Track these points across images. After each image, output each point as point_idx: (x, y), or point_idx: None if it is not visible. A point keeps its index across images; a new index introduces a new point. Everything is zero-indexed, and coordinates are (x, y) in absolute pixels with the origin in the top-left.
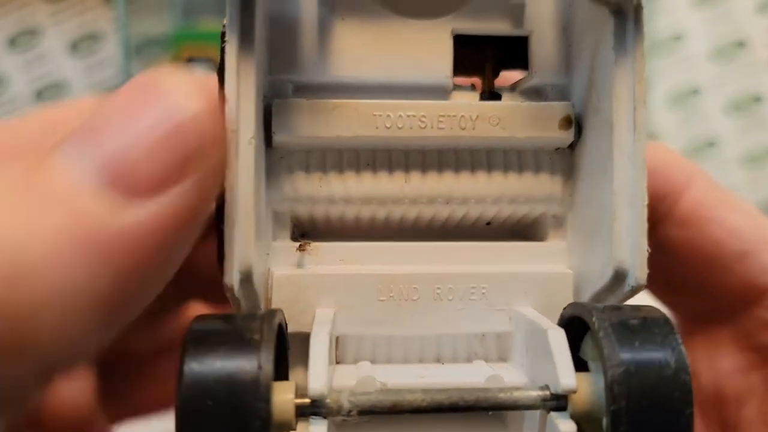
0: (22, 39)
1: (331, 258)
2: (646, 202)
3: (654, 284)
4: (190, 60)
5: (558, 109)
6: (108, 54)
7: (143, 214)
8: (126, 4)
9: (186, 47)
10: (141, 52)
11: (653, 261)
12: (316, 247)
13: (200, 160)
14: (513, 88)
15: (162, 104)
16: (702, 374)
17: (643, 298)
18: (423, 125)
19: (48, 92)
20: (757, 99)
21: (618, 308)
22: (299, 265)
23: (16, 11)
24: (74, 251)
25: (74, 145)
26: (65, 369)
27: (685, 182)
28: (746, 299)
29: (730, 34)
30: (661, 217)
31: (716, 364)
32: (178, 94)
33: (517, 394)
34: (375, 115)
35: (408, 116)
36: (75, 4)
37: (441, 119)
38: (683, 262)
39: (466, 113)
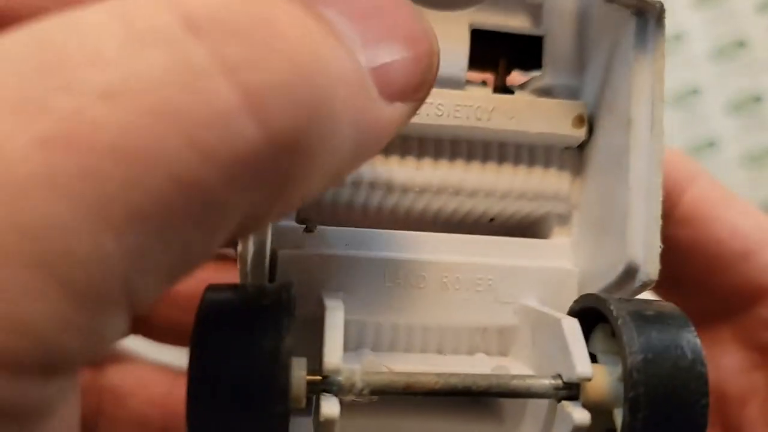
0: None
1: (337, 242)
2: (661, 199)
3: (657, 283)
4: None
5: (572, 107)
6: None
7: (385, 113)
8: None
9: None
10: None
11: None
12: (323, 230)
13: (427, 87)
14: (522, 87)
15: (423, 36)
16: None
17: (645, 297)
18: (440, 113)
19: None
20: (758, 99)
21: (630, 300)
22: (304, 246)
23: None
24: (348, 119)
25: (342, 20)
26: (282, 210)
27: (687, 182)
28: (748, 298)
29: (731, 34)
30: (662, 216)
31: (718, 364)
32: (431, 35)
33: (530, 381)
34: None
35: (425, 103)
36: None
37: (458, 108)
38: (685, 261)
39: (482, 104)
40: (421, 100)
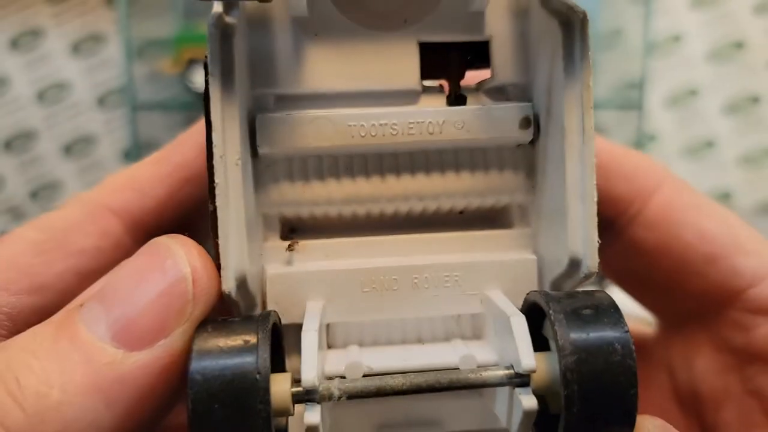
0: (24, 40)
1: (318, 254)
2: (595, 199)
3: (629, 286)
4: (191, 61)
5: (517, 110)
6: (109, 55)
7: (141, 360)
8: (128, 6)
9: (187, 49)
10: (142, 53)
11: (625, 263)
12: (304, 245)
13: (189, 312)
14: (478, 87)
15: (162, 271)
16: (678, 373)
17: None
18: (394, 132)
19: (50, 93)
20: (755, 99)
21: (573, 296)
22: (289, 262)
23: (18, 12)
24: (87, 394)
25: (92, 309)
26: None
27: (654, 186)
28: (718, 302)
29: (729, 35)
30: (629, 219)
31: (692, 364)
32: (176, 261)
33: (485, 374)
34: (349, 125)
35: (380, 125)
36: (77, 6)
37: (410, 126)
38: (654, 265)
39: (433, 119)
40: (187, 327)
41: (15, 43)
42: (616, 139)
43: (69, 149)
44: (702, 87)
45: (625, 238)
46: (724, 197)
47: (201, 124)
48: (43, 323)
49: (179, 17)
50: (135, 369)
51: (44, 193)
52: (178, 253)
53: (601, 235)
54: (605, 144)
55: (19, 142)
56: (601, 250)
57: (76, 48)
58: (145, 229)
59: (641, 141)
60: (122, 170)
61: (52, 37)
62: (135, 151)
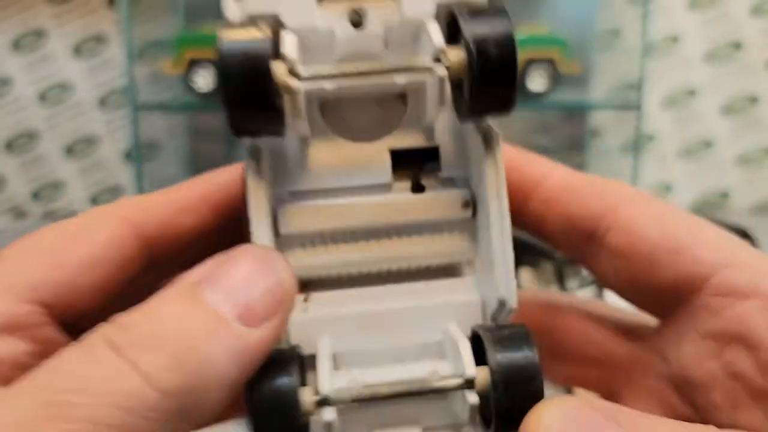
0: (26, 41)
1: (325, 304)
2: (512, 257)
3: (618, 288)
4: (193, 63)
5: (460, 195)
6: (111, 56)
7: (259, 336)
8: (129, 7)
9: (188, 50)
10: (144, 54)
11: (609, 268)
12: (315, 297)
13: (286, 305)
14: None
15: (272, 274)
16: (671, 361)
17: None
18: (373, 214)
19: (51, 93)
20: (753, 100)
21: (500, 327)
22: (305, 310)
23: (20, 13)
24: (227, 356)
25: (214, 293)
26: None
27: (624, 199)
28: (687, 290)
29: (726, 36)
30: (605, 229)
31: (680, 352)
32: (280, 269)
33: (445, 382)
34: (342, 211)
35: (364, 209)
36: (78, 7)
37: (384, 209)
38: (631, 266)
39: (401, 203)
40: (284, 315)
41: (17, 44)
42: (614, 140)
43: (70, 149)
44: (700, 87)
45: (605, 247)
46: (723, 197)
47: (210, 176)
48: (157, 297)
49: (180, 18)
50: (256, 341)
51: (46, 193)
52: (280, 259)
53: (587, 248)
54: (576, 175)
55: (20, 142)
56: (591, 261)
57: (78, 49)
58: (151, 244)
59: (640, 141)
60: (134, 197)
61: (53, 38)
62: (136, 152)
